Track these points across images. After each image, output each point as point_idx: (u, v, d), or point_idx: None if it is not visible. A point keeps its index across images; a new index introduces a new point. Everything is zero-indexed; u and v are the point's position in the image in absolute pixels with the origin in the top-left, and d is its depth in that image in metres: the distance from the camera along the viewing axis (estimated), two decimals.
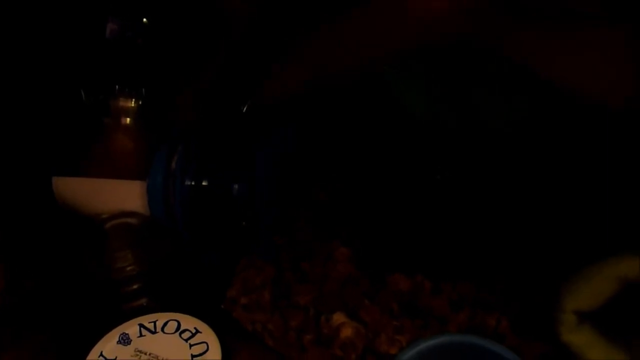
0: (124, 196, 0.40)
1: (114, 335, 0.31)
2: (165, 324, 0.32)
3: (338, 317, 0.38)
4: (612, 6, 0.35)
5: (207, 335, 0.31)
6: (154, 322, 0.32)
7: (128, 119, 0.41)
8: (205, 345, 0.30)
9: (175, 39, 0.41)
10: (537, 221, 0.43)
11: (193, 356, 0.30)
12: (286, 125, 0.43)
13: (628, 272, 0.33)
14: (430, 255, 0.43)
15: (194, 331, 0.31)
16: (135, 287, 0.37)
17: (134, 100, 0.41)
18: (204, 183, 0.39)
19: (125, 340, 0.31)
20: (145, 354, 0.30)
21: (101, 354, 0.30)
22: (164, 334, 0.31)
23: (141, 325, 0.31)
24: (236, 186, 0.40)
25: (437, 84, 0.43)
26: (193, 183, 0.39)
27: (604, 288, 0.33)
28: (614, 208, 0.40)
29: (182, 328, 0.31)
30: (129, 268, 0.37)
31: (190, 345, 0.30)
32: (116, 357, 0.30)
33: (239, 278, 0.42)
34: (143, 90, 0.41)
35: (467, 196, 0.44)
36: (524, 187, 0.43)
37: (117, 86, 0.41)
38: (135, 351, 0.30)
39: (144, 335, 0.31)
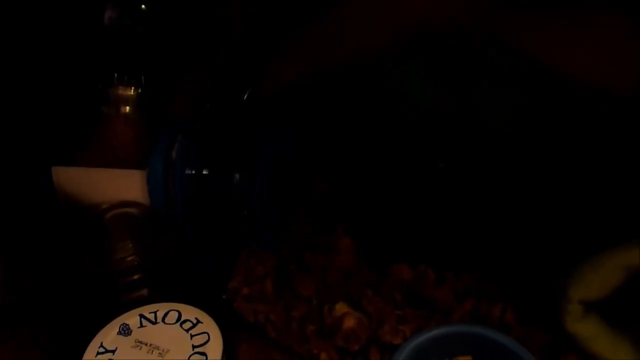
0: (124, 186, 0.40)
1: (114, 326, 0.31)
2: (166, 314, 0.31)
3: (341, 308, 0.38)
4: None
5: (209, 325, 0.31)
6: (155, 313, 0.31)
7: (127, 108, 0.41)
8: (206, 335, 0.30)
9: (174, 27, 0.40)
10: (541, 210, 0.42)
11: (194, 347, 0.29)
12: (286, 124, 0.42)
13: (635, 262, 0.32)
14: (433, 245, 0.43)
15: (195, 322, 0.31)
16: (136, 277, 0.37)
17: (133, 88, 0.41)
18: (204, 172, 0.39)
19: (125, 331, 0.30)
20: (146, 344, 0.30)
21: (101, 345, 0.29)
22: (165, 325, 0.31)
23: (142, 316, 0.31)
24: (237, 175, 0.40)
25: (437, 75, 0.42)
26: (193, 172, 0.38)
27: (611, 278, 0.33)
28: (620, 196, 0.39)
29: (183, 318, 0.31)
30: (129, 258, 0.37)
31: (192, 336, 0.30)
32: (116, 348, 0.29)
33: (241, 268, 0.41)
34: (142, 78, 0.41)
35: (469, 185, 0.44)
36: (528, 175, 0.43)
37: (116, 74, 0.40)
38: (135, 342, 0.30)
39: (145, 326, 0.31)
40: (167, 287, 0.37)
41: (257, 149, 0.40)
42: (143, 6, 0.40)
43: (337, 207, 0.47)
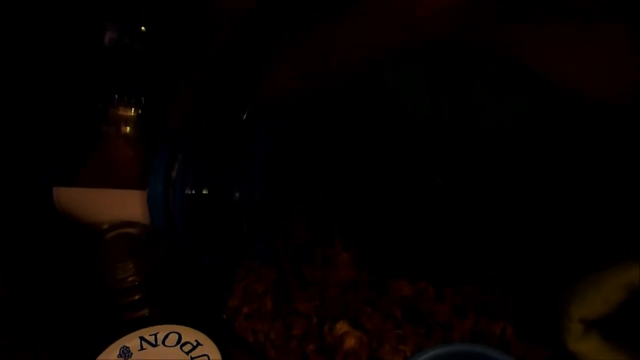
0: (124, 206, 0.40)
1: (114, 348, 0.31)
2: (166, 336, 0.31)
3: (341, 326, 0.38)
4: (607, 2, 0.34)
5: (209, 347, 0.31)
6: (155, 335, 0.31)
7: (128, 128, 0.41)
8: (206, 358, 0.30)
9: (172, 44, 0.41)
10: (541, 225, 0.42)
11: None
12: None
13: (636, 280, 0.32)
14: (432, 260, 0.43)
15: (195, 344, 0.31)
16: (136, 297, 0.37)
17: (133, 108, 0.41)
18: (204, 192, 0.39)
19: (126, 353, 0.30)
20: None
21: None
22: (165, 347, 0.31)
23: (142, 338, 0.31)
24: (237, 194, 0.40)
25: (436, 83, 0.42)
26: (193, 192, 0.38)
27: (612, 296, 0.33)
28: (620, 211, 0.39)
29: (183, 341, 0.31)
30: (130, 279, 0.37)
31: (192, 358, 0.30)
32: None
33: (239, 286, 0.41)
34: (142, 98, 0.41)
35: (468, 200, 0.44)
36: (526, 190, 0.43)
37: (116, 95, 0.41)
38: None
39: (145, 349, 0.31)
40: (167, 307, 0.37)
41: (252, 156, 0.40)
42: (143, 27, 0.40)
43: (335, 218, 0.46)
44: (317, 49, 0.39)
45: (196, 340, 0.31)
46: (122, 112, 0.40)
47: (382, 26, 0.37)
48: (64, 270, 0.38)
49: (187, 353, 0.30)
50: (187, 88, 0.41)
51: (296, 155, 0.46)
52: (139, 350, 0.31)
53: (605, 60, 0.35)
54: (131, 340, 0.31)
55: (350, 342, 0.37)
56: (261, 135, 0.41)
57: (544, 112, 0.41)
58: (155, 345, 0.31)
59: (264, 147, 0.41)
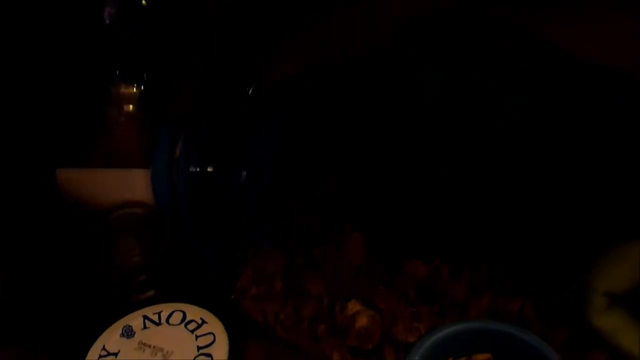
0: (128, 186, 0.39)
1: (117, 327, 0.30)
2: (170, 315, 0.30)
3: (353, 306, 0.37)
4: None
5: (214, 326, 0.30)
6: (159, 314, 0.30)
7: (130, 106, 0.40)
8: (211, 336, 0.29)
9: (173, 22, 0.40)
10: (561, 200, 0.41)
11: (199, 348, 0.28)
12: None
13: None
14: (447, 239, 0.42)
15: (200, 322, 0.30)
16: (142, 278, 0.36)
17: (135, 86, 0.40)
18: (208, 169, 0.38)
19: (128, 332, 0.29)
20: (150, 346, 0.29)
21: (104, 348, 0.29)
22: (169, 326, 0.30)
23: (145, 317, 0.30)
24: (244, 172, 0.39)
25: (448, 71, 0.41)
26: (198, 169, 0.38)
27: (636, 268, 0.31)
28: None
29: (187, 319, 0.30)
30: (135, 259, 0.36)
31: (196, 337, 0.29)
32: (119, 351, 0.29)
33: (249, 267, 0.40)
34: (144, 75, 0.40)
35: (484, 180, 0.42)
36: (546, 166, 0.41)
37: (117, 72, 0.40)
38: (139, 344, 0.29)
39: (148, 327, 0.30)
40: (174, 288, 0.37)
41: (257, 141, 0.39)
42: (143, 1, 0.39)
43: (345, 202, 0.45)
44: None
45: (201, 319, 0.30)
46: (124, 90, 0.39)
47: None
48: (67, 252, 0.38)
49: (192, 331, 0.29)
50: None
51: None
52: (142, 329, 0.30)
53: (628, 31, 0.34)
54: (134, 319, 0.30)
55: (362, 321, 0.36)
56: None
57: (563, 92, 0.39)
58: (158, 323, 0.30)
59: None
